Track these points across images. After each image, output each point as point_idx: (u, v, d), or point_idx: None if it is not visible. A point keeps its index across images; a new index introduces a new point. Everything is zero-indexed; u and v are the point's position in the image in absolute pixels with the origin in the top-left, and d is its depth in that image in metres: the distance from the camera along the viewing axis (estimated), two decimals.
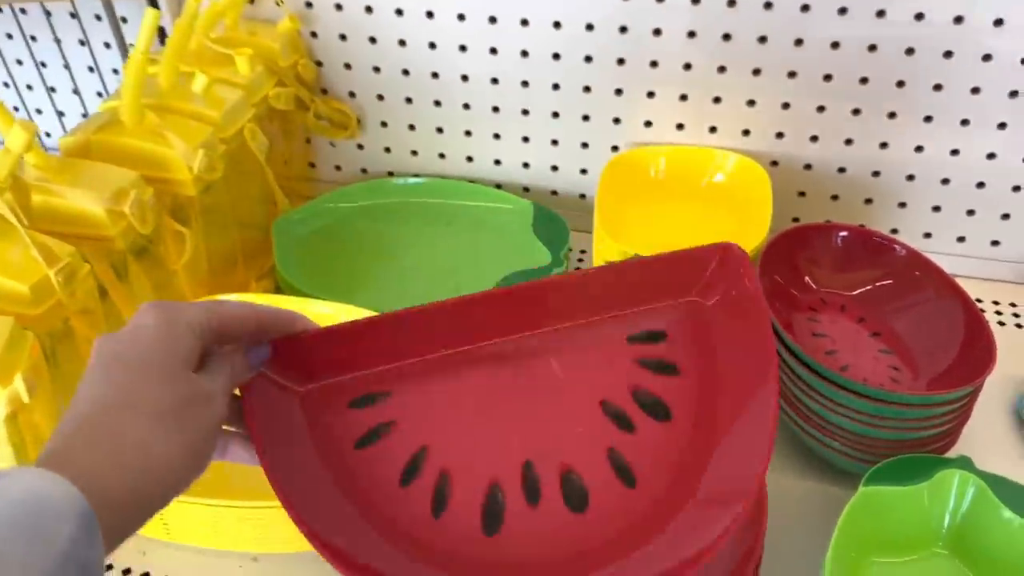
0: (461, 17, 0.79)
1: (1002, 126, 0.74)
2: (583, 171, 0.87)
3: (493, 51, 0.80)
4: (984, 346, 0.61)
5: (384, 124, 0.88)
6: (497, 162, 0.88)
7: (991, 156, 0.76)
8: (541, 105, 0.83)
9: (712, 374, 0.46)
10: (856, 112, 0.76)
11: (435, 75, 0.83)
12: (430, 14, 0.79)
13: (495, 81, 0.82)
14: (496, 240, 0.84)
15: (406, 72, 0.84)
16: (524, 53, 0.80)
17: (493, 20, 0.79)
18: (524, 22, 0.78)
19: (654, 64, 0.78)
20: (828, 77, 0.75)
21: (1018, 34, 0.69)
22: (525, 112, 0.84)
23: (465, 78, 0.83)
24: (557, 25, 0.77)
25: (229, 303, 0.43)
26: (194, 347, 0.40)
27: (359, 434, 0.46)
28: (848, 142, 0.78)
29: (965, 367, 0.62)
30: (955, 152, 0.76)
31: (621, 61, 0.78)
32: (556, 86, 0.81)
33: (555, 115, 0.83)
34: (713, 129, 0.81)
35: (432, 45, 0.81)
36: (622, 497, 0.43)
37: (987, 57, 0.71)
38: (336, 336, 0.46)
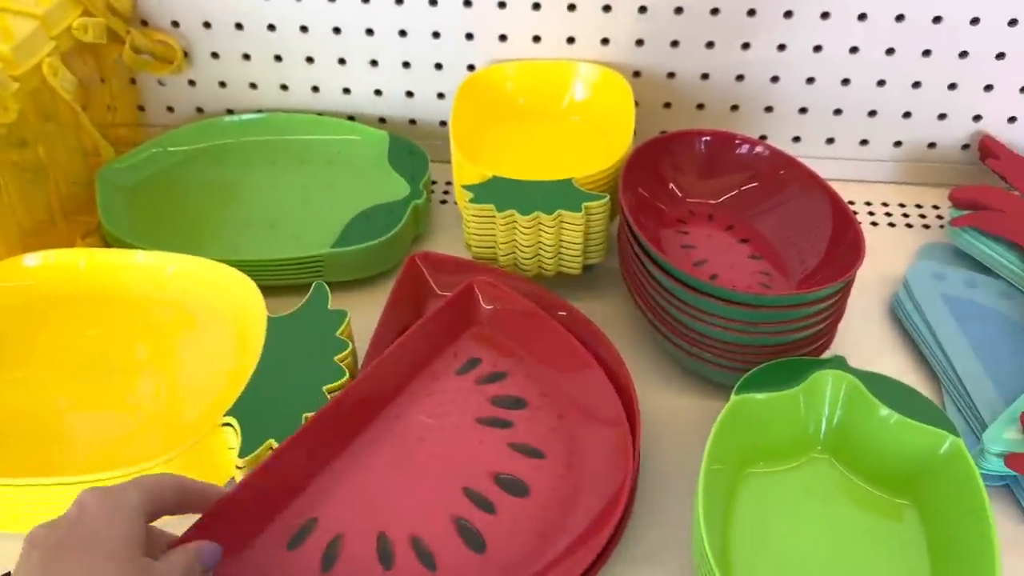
0: None
1: (862, 17, 0.72)
2: (440, 95, 0.81)
3: None
4: (852, 241, 0.59)
5: (215, 55, 0.80)
6: (346, 91, 0.81)
7: (854, 50, 0.74)
8: (386, 22, 0.76)
9: (534, 366, 0.58)
10: (715, 12, 0.72)
11: None
12: None
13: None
14: (350, 176, 0.78)
15: None
16: None
17: None
18: None
19: None
20: None
21: None
22: (369, 32, 0.77)
23: None
24: None
25: (148, 477, 0.41)
26: (141, 529, 0.38)
27: (317, 562, 0.47)
28: (709, 45, 0.74)
29: (835, 264, 0.60)
30: (818, 48, 0.74)
31: None
32: (400, 0, 0.75)
33: (402, 33, 0.77)
34: (571, 40, 0.76)
35: None
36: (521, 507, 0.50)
37: None
38: (244, 496, 0.46)
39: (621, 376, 0.55)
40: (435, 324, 0.58)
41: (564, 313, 0.60)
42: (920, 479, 0.52)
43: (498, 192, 0.65)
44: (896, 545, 0.51)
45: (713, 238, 0.66)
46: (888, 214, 0.79)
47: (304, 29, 0.77)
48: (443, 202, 0.80)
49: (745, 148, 0.67)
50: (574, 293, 0.68)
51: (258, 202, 0.75)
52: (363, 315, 0.61)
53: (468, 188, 0.65)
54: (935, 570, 0.49)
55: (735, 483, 0.53)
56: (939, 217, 0.78)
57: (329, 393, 0.54)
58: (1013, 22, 0.71)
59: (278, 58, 0.80)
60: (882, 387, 0.54)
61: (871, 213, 0.78)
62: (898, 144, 0.79)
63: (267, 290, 0.62)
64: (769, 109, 0.78)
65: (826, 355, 0.60)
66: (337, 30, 0.77)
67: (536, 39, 0.76)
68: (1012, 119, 0.76)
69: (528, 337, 0.59)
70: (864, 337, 0.66)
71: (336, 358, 0.57)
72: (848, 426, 0.55)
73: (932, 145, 0.79)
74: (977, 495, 0.48)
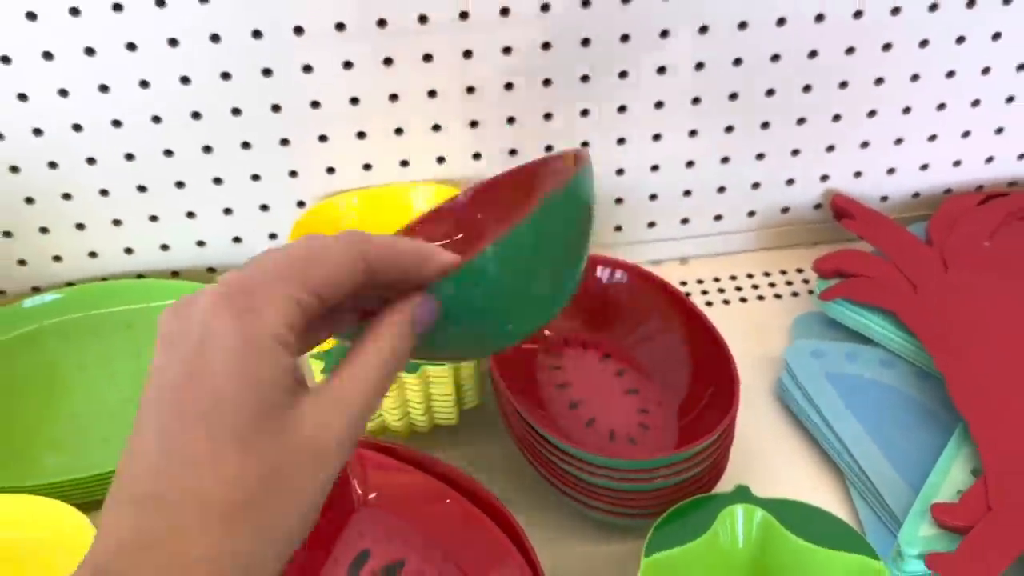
0: (64, 93, 0.63)
1: (696, 101, 0.70)
2: (272, 236, 0.74)
3: (117, 124, 0.65)
4: (727, 378, 0.56)
5: (8, 234, 0.71)
6: (164, 247, 0.73)
7: (693, 133, 0.72)
8: (196, 173, 0.69)
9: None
10: (548, 117, 0.69)
11: (53, 165, 0.67)
12: (23, 96, 0.63)
13: (130, 157, 0.67)
14: None
15: (15, 169, 0.67)
16: (156, 119, 0.66)
17: (104, 89, 0.64)
18: (144, 84, 0.64)
19: (315, 104, 0.66)
20: (509, 86, 0.66)
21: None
22: (180, 185, 0.70)
23: (92, 161, 0.67)
24: (185, 80, 0.64)
25: (322, 256, 0.30)
26: (288, 367, 0.28)
27: None
28: (548, 148, 0.71)
29: (709, 394, 0.57)
30: (657, 137, 0.71)
31: (276, 108, 0.66)
32: (208, 148, 0.68)
33: (217, 181, 0.70)
34: (404, 163, 0.71)
35: (38, 132, 0.65)
36: None
37: (664, 33, 0.65)
38: None
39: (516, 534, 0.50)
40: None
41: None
42: None
43: None
44: None
45: (588, 371, 0.62)
46: (755, 286, 0.77)
47: (104, 193, 0.69)
48: None
49: (606, 275, 0.63)
50: (450, 438, 0.62)
51: (79, 398, 0.66)
52: None
53: (317, 357, 0.59)
54: None
55: None
56: (805, 281, 0.77)
57: None
58: (844, 84, 0.70)
59: (80, 226, 0.71)
60: (793, 514, 0.51)
61: (739, 288, 0.77)
62: (752, 214, 0.78)
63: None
64: (619, 200, 0.75)
65: (725, 477, 0.57)
66: (143, 188, 0.69)
67: (367, 167, 0.71)
68: (858, 174, 0.76)
69: (420, 514, 0.53)
70: (755, 432, 0.63)
71: None
72: (766, 562, 0.51)
73: (785, 210, 0.78)
74: None
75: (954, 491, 0.56)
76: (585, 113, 0.69)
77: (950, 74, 0.71)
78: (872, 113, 0.72)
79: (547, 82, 0.66)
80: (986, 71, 0.71)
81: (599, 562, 0.56)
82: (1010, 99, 0.73)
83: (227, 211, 0.72)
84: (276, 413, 0.28)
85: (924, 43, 0.69)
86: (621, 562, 0.55)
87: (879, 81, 0.71)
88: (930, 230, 0.73)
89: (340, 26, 0.62)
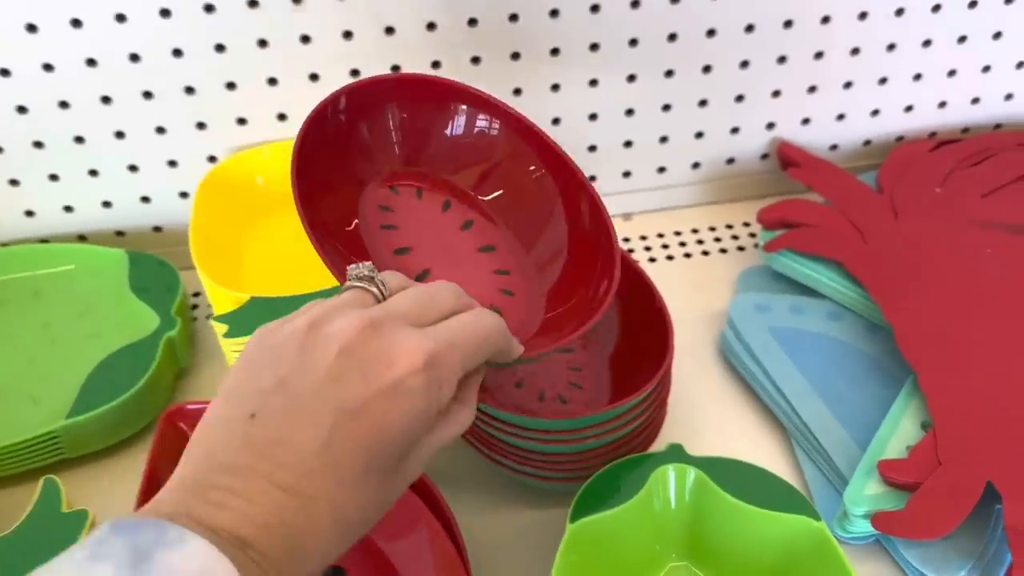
0: None
1: (633, 43, 0.65)
2: (183, 195, 0.69)
3: (5, 73, 0.60)
4: (660, 330, 0.52)
5: None
6: (68, 209, 0.68)
7: (632, 78, 0.68)
8: (97, 127, 0.64)
9: None
10: (475, 61, 0.64)
11: None
12: None
13: (22, 110, 0.62)
14: (86, 314, 0.64)
15: None
16: (48, 67, 0.60)
17: (32, 29, 0.58)
18: (31, 27, 0.58)
19: (220, 48, 0.61)
20: (432, 26, 0.62)
21: None
22: (79, 140, 0.64)
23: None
24: (77, 23, 0.58)
25: (491, 342, 0.37)
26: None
27: None
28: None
29: (642, 348, 0.53)
30: (594, 83, 0.67)
31: (178, 52, 0.61)
32: (106, 99, 0.63)
33: (120, 135, 0.65)
34: None
35: None
36: None
37: (635, 3, 0.61)
38: None
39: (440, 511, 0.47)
40: None
41: None
42: (789, 572, 0.46)
43: (259, 317, 0.54)
44: None
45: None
46: (700, 241, 0.73)
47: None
48: (210, 316, 0.68)
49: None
50: None
51: None
52: (125, 486, 0.52)
53: (221, 319, 0.54)
54: None
55: None
56: (752, 235, 0.73)
57: None
58: (788, 24, 0.66)
59: None
60: (730, 474, 0.48)
61: (683, 244, 0.73)
62: (696, 166, 0.74)
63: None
64: None
65: (662, 434, 0.54)
66: (39, 144, 0.64)
67: (282, 117, 0.66)
68: (805, 121, 0.73)
69: None
70: (696, 391, 0.60)
71: None
72: (701, 526, 0.48)
73: (731, 161, 0.74)
74: None
75: (903, 447, 0.53)
76: (516, 56, 0.64)
77: (899, 12, 0.67)
78: (819, 55, 0.69)
79: (472, 22, 0.62)
80: (936, 8, 0.67)
81: (531, 529, 0.52)
82: (962, 39, 0.69)
83: (132, 168, 0.67)
84: (407, 460, 0.34)
85: None
86: (553, 528, 0.51)
87: (825, 20, 0.67)
88: (880, 178, 0.70)
89: None
